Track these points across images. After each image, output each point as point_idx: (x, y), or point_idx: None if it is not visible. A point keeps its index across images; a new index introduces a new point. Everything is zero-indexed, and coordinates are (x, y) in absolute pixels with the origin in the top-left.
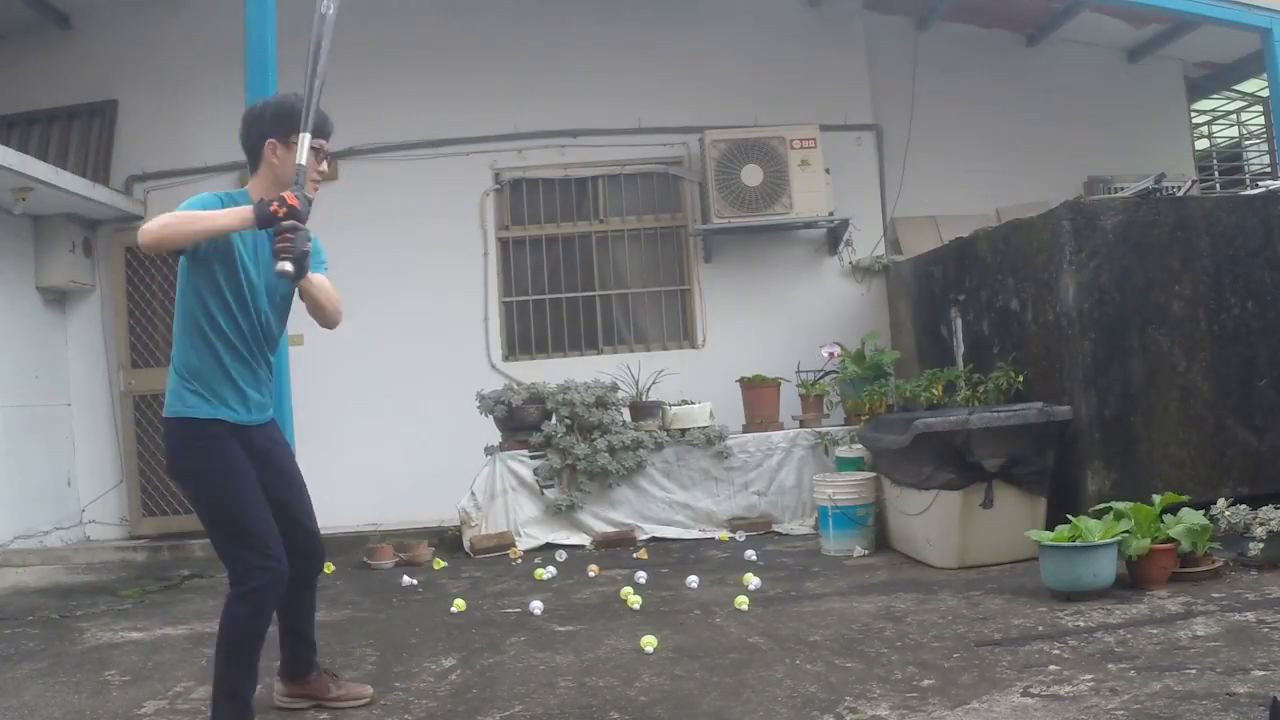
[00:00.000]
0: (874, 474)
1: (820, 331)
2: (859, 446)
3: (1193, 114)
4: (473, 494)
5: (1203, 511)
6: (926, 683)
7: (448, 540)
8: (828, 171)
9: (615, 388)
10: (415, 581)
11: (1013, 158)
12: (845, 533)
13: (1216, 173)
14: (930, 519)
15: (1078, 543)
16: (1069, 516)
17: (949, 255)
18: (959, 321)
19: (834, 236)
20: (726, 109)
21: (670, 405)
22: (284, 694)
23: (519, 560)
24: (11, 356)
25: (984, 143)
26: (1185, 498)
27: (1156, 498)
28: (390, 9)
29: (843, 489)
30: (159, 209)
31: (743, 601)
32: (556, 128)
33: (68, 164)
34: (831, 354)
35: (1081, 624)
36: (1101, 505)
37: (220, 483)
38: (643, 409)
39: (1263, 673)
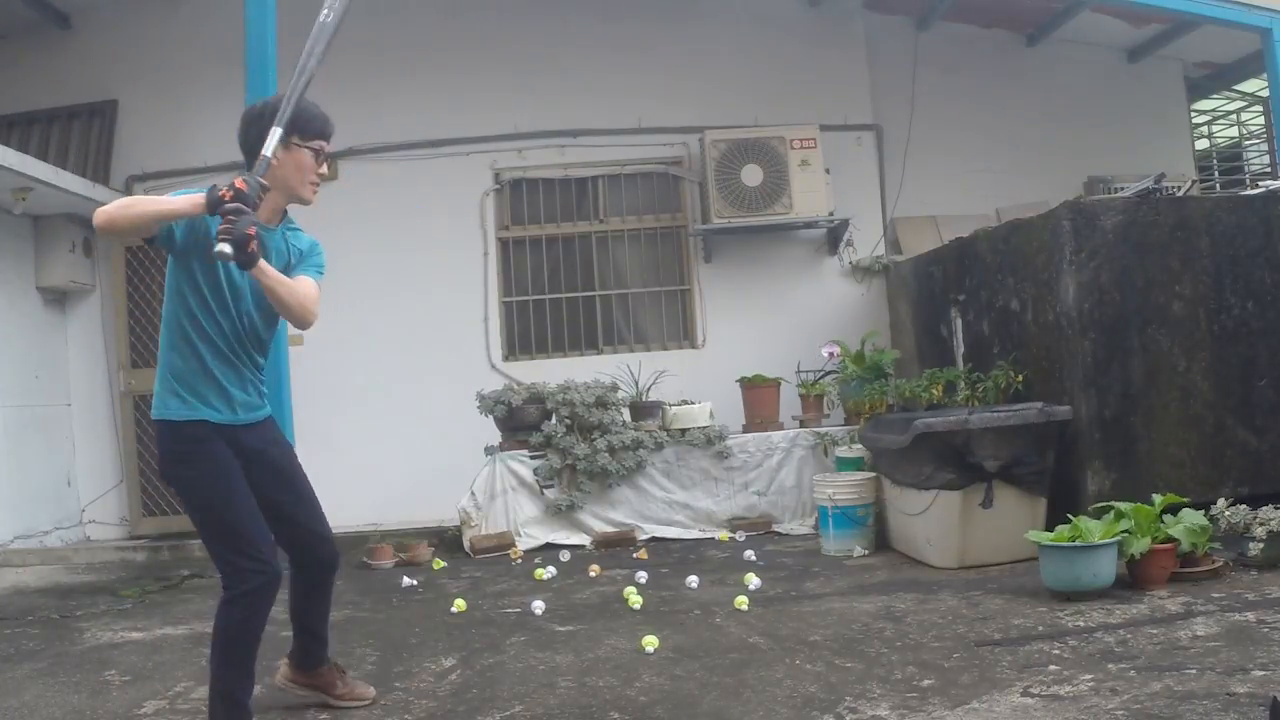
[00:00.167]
0: (874, 474)
1: (820, 331)
2: (859, 446)
3: (1193, 114)
4: (473, 494)
5: (1203, 511)
6: (926, 683)
7: (448, 540)
8: (828, 171)
9: (615, 388)
10: (415, 581)
11: (1013, 158)
12: (845, 533)
13: (1216, 173)
14: (930, 519)
15: (1078, 543)
16: (1069, 516)
17: (949, 255)
18: (959, 321)
19: (834, 236)
20: (726, 109)
21: (670, 405)
22: (288, 679)
23: (519, 560)
24: (11, 356)
25: (984, 143)
26: (1185, 498)
27: (1156, 498)
28: (390, 9)
29: (843, 489)
30: None
31: (743, 601)
32: (556, 128)
33: (68, 164)
34: (831, 354)
35: (1081, 624)
36: (1101, 505)
37: (207, 485)
38: (643, 409)
39: (1263, 673)
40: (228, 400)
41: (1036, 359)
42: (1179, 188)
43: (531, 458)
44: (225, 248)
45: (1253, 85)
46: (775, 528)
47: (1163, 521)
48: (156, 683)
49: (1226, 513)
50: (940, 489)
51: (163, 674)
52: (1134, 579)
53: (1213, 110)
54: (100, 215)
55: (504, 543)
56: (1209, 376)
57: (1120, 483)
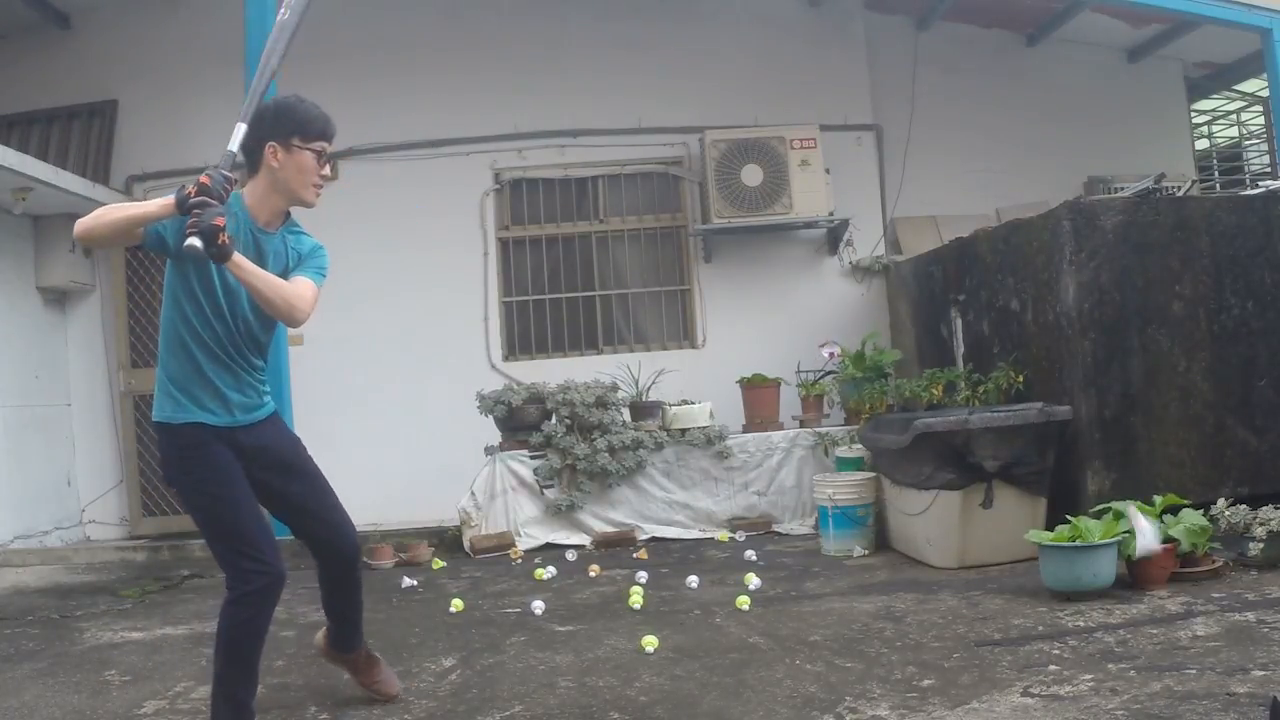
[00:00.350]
0: (874, 474)
1: (820, 331)
2: (859, 446)
3: (1193, 114)
4: (473, 494)
5: (1203, 511)
6: (926, 683)
7: (448, 540)
8: (828, 171)
9: (615, 388)
10: (415, 582)
11: (1013, 158)
12: (845, 533)
13: (1216, 173)
14: (930, 519)
15: (1078, 543)
16: (1069, 516)
17: (949, 255)
18: (959, 321)
19: (834, 236)
20: (726, 109)
21: (670, 405)
22: (323, 651)
23: (519, 560)
24: (11, 356)
25: (984, 143)
26: (1186, 499)
27: (1157, 498)
28: (390, 9)
29: (843, 489)
30: None
31: (743, 601)
32: (556, 128)
33: (68, 164)
34: (832, 354)
35: (1081, 624)
36: (1101, 505)
37: (206, 488)
38: (643, 409)
39: (1263, 673)
40: (224, 403)
41: (1036, 359)
42: (1179, 188)
43: (531, 458)
44: (194, 241)
45: (1253, 85)
46: (775, 528)
47: (1163, 521)
48: (156, 683)
49: (1226, 513)
50: (940, 489)
51: (163, 674)
52: (1134, 579)
53: (1213, 110)
54: (78, 226)
55: (504, 543)
56: (1209, 376)
57: (1120, 483)
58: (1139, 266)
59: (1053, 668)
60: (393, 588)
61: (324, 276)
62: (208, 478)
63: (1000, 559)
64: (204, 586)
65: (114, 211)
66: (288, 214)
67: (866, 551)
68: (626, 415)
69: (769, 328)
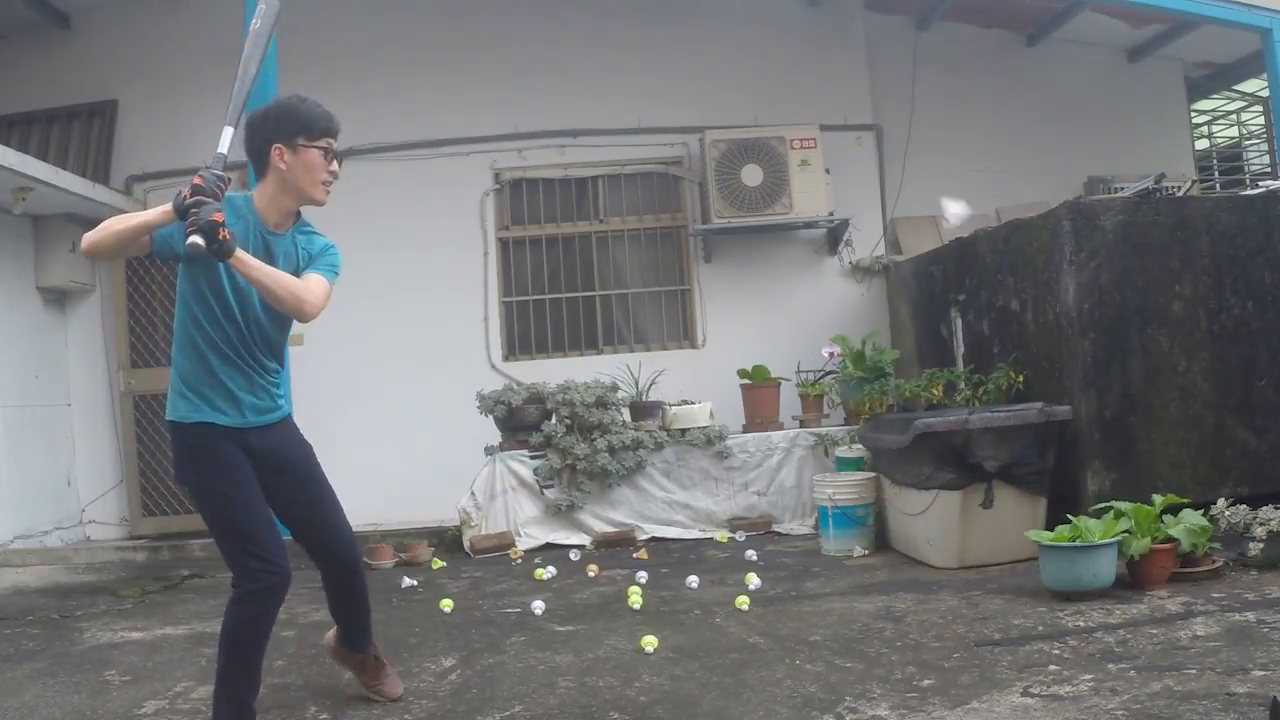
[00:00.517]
0: (874, 474)
1: (820, 331)
2: (859, 446)
3: (1193, 114)
4: (473, 494)
5: (1203, 511)
6: (926, 683)
7: (448, 540)
8: (828, 171)
9: (615, 388)
10: (415, 582)
11: (1013, 158)
12: (845, 533)
13: (1216, 173)
14: (930, 519)
15: (1078, 543)
16: (1069, 516)
17: (949, 255)
18: (959, 321)
19: (834, 236)
20: (726, 109)
21: (670, 405)
22: (332, 650)
23: (519, 560)
24: (11, 356)
25: (984, 143)
26: (1185, 499)
27: (1156, 498)
28: (390, 9)
29: (843, 489)
30: None
31: (743, 601)
32: (556, 128)
33: (68, 164)
34: (832, 354)
35: (1081, 624)
36: (1101, 505)
37: (217, 487)
38: (643, 409)
39: (1263, 673)
40: (235, 404)
41: (1036, 359)
42: (1179, 188)
43: (531, 458)
44: (196, 239)
45: (1253, 85)
46: (775, 528)
47: (1163, 521)
48: (156, 683)
49: (1226, 513)
50: (940, 489)
51: (163, 674)
52: (1134, 579)
53: (1213, 110)
54: (85, 241)
55: (504, 543)
56: (1209, 376)
57: (1120, 483)
58: (1139, 266)
59: (1053, 668)
60: (393, 588)
61: (336, 274)
62: (218, 477)
63: (1000, 559)
64: (204, 586)
65: (118, 223)
66: (298, 214)
67: (866, 551)
68: (626, 415)
69: (769, 328)
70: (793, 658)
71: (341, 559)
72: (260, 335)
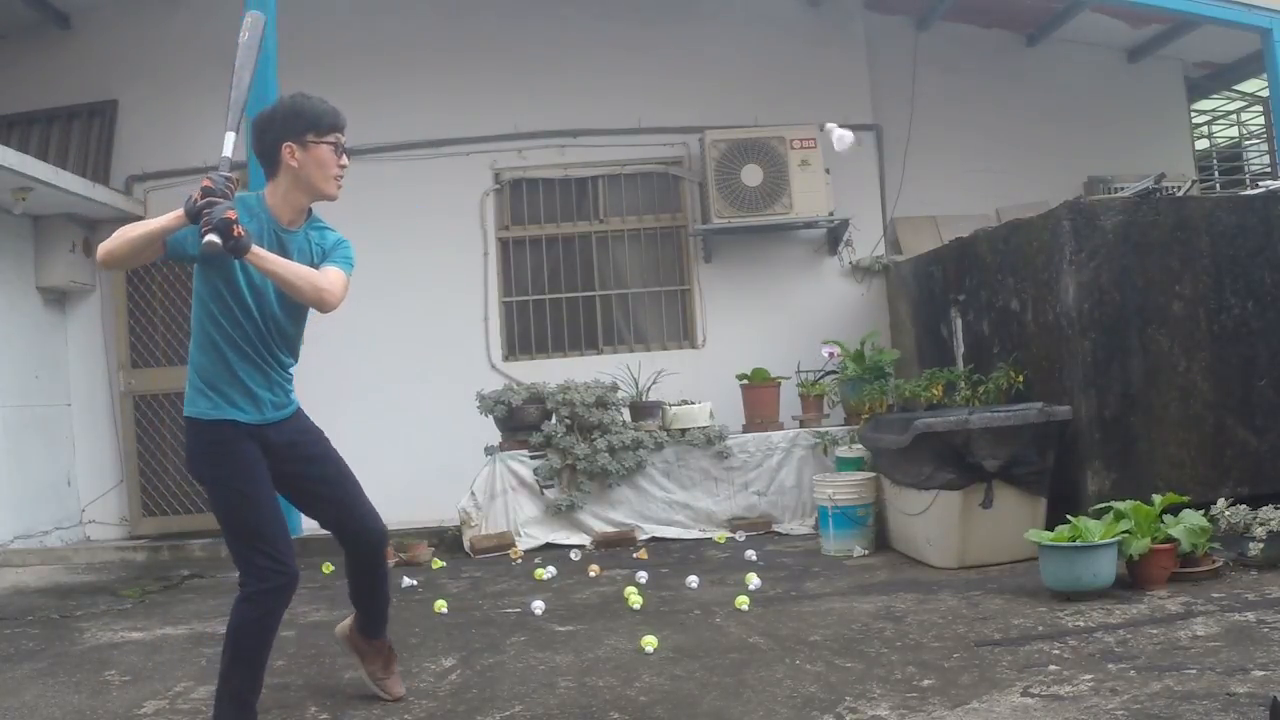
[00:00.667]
0: (874, 474)
1: (820, 331)
2: (859, 446)
3: (1193, 114)
4: (473, 494)
5: (1203, 511)
6: (926, 683)
7: (448, 540)
8: (828, 171)
9: (615, 388)
10: (415, 582)
11: (1013, 158)
12: (845, 533)
13: (1216, 173)
14: (930, 519)
15: (1078, 543)
16: (1069, 516)
17: (949, 255)
18: (959, 321)
19: (834, 236)
20: (726, 109)
21: (670, 405)
22: (345, 635)
23: (519, 560)
24: (11, 356)
25: (984, 143)
26: (1185, 499)
27: (1156, 498)
28: (390, 9)
29: (843, 489)
30: (159, 209)
31: (743, 601)
32: (556, 128)
33: (68, 164)
34: (831, 354)
35: (1081, 624)
36: (1101, 505)
37: (231, 484)
38: (643, 409)
39: (1263, 673)
40: (254, 401)
41: (1036, 359)
42: (1179, 188)
43: (531, 458)
44: (212, 237)
45: (1253, 85)
46: (775, 528)
47: (1163, 521)
48: (156, 683)
49: (1226, 513)
50: (940, 489)
51: (163, 674)
52: (1134, 579)
53: (1213, 110)
54: (100, 252)
55: (504, 543)
56: (1209, 376)
57: (1120, 483)
58: (1139, 266)
59: (1053, 668)
60: (393, 588)
61: (352, 266)
62: (235, 474)
63: (1000, 559)
64: (204, 586)
65: (130, 231)
66: (309, 211)
67: (866, 551)
68: (626, 415)
69: (769, 328)
70: (793, 658)
71: (371, 532)
72: (278, 331)
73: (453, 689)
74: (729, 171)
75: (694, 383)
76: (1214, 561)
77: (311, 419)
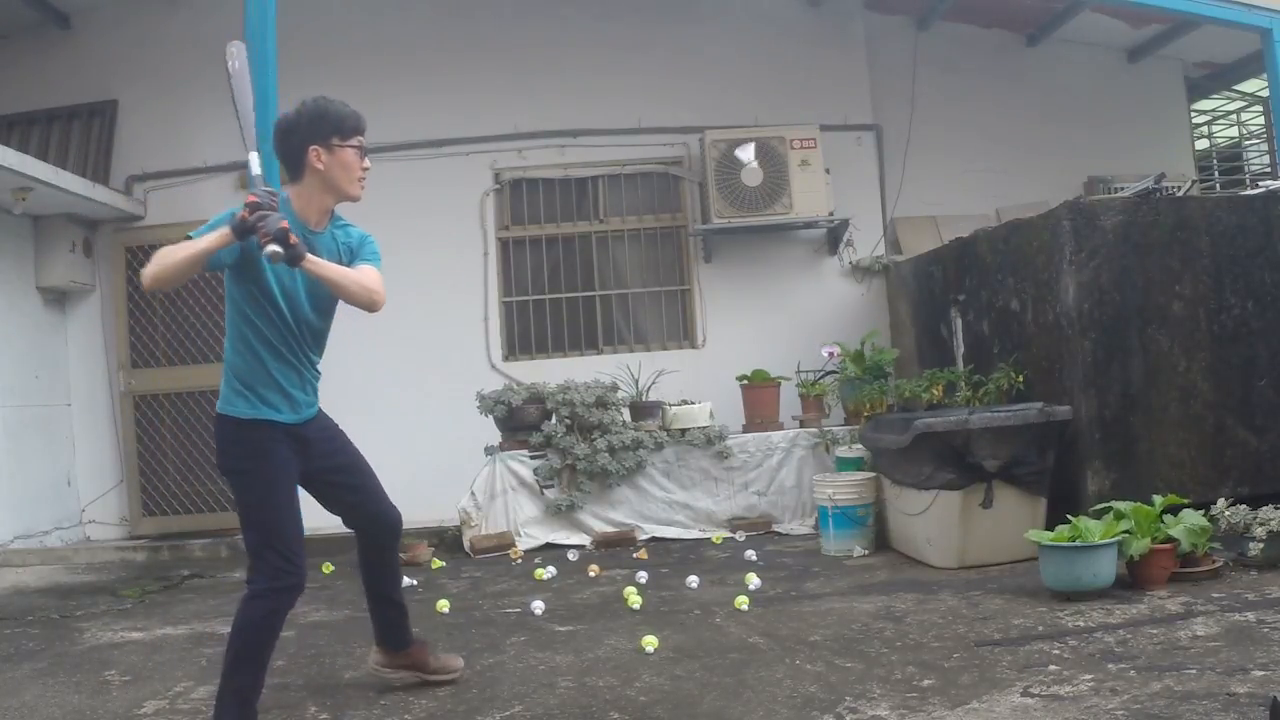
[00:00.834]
0: (874, 474)
1: (820, 331)
2: (859, 446)
3: (1193, 114)
4: (473, 494)
5: (1203, 511)
6: (926, 683)
7: (448, 540)
8: (828, 171)
9: (615, 388)
10: (415, 582)
11: (1013, 158)
12: (845, 533)
13: (1216, 173)
14: (930, 519)
15: (1078, 543)
16: (1069, 516)
17: (949, 255)
18: (959, 321)
19: (834, 236)
20: (726, 109)
21: (670, 405)
22: (380, 663)
23: (519, 560)
24: (11, 356)
25: (984, 143)
26: (1185, 499)
27: (1157, 498)
28: (390, 9)
29: (843, 489)
30: (159, 209)
31: (743, 601)
32: (556, 128)
33: (68, 164)
34: (831, 354)
35: (1081, 624)
36: (1101, 505)
37: (260, 483)
38: (643, 409)
39: (1263, 673)
40: (289, 401)
41: (1036, 359)
42: (1179, 188)
43: (531, 458)
44: (274, 248)
45: (1253, 85)
46: (775, 528)
47: (1163, 521)
48: (156, 683)
49: (1226, 513)
50: (940, 489)
51: (163, 674)
52: (1134, 579)
53: (1213, 110)
54: (146, 278)
55: (504, 543)
56: (1209, 376)
57: (1120, 483)
58: (1139, 266)
59: (1053, 668)
60: None
61: (380, 261)
62: (264, 471)
63: (1000, 559)
64: (204, 586)
65: (175, 254)
66: (332, 211)
67: (866, 551)
68: (626, 415)
69: (769, 328)
70: (793, 658)
71: (391, 525)
72: (309, 331)
73: (453, 689)
74: (729, 171)
75: (694, 383)
76: (1214, 561)
77: (329, 417)
